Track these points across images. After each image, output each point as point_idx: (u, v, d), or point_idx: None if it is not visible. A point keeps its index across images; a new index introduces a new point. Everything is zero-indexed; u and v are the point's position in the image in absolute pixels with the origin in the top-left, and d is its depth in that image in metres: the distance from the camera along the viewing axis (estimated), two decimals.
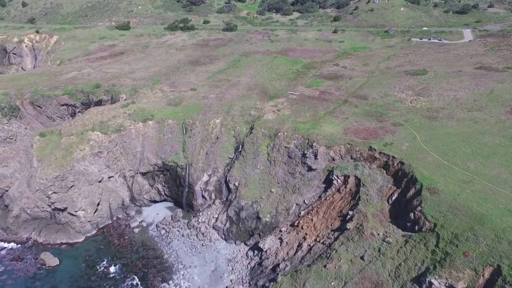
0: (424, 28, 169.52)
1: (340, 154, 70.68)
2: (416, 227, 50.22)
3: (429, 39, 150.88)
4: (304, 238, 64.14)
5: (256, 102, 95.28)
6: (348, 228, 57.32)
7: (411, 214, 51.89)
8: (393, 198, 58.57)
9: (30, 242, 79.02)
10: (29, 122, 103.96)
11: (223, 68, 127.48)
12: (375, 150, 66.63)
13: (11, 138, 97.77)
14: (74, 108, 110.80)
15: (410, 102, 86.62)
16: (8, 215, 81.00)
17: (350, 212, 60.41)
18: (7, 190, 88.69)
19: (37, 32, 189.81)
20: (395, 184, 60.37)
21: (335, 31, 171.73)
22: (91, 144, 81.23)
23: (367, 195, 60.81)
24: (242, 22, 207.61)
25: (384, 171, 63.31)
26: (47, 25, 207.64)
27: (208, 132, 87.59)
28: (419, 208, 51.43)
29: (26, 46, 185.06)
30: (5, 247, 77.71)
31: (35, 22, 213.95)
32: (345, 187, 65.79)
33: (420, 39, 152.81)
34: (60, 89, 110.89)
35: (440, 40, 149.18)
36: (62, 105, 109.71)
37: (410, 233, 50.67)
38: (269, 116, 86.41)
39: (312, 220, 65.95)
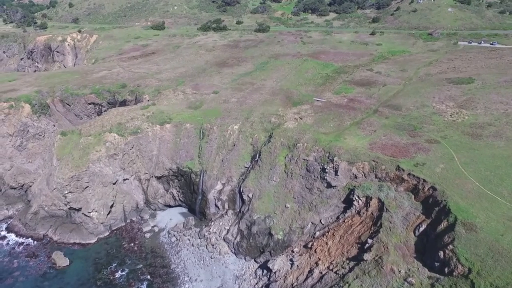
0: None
1: (363, 172, 63.46)
2: (446, 269, 42.40)
3: (479, 43, 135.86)
4: (317, 264, 58.05)
5: (278, 109, 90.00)
6: (365, 259, 50.48)
7: (441, 253, 44.04)
8: (421, 229, 50.71)
9: (46, 239, 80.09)
10: (58, 120, 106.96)
11: (250, 70, 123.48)
12: (403, 170, 58.67)
13: (39, 135, 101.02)
14: (100, 107, 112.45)
15: (450, 115, 76.54)
16: (28, 211, 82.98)
17: (370, 240, 53.40)
18: (30, 186, 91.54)
19: (79, 31, 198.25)
20: (424, 212, 52.35)
21: (372, 33, 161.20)
22: (107, 145, 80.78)
23: (390, 223, 53.40)
24: (275, 23, 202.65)
25: (413, 196, 55.36)
26: (89, 24, 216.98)
27: (225, 138, 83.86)
28: (450, 246, 43.47)
29: (68, 44, 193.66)
30: (23, 243, 79.45)
31: (78, 22, 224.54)
32: (366, 210, 58.67)
33: (469, 42, 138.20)
34: (88, 88, 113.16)
35: (492, 44, 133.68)
36: (89, 103, 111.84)
37: (437, 276, 43.01)
38: (290, 125, 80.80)
39: (327, 243, 59.62)
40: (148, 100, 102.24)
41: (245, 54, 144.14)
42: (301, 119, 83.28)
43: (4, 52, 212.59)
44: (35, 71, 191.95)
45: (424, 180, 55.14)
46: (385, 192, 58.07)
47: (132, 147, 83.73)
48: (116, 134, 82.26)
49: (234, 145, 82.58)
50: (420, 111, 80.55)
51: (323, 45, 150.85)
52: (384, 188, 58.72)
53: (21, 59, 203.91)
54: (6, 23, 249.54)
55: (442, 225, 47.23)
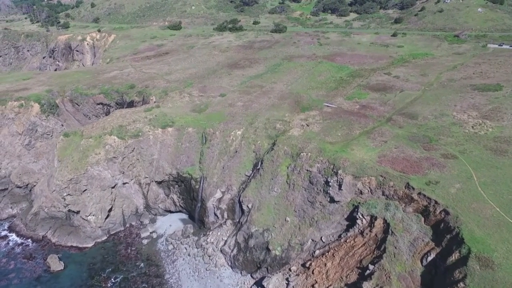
0: None
1: (369, 188, 57.97)
2: None
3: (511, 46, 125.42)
4: (313, 287, 53.28)
5: (285, 114, 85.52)
6: None
7: None
8: (429, 258, 44.91)
9: (44, 241, 79.51)
10: (66, 119, 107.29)
11: (261, 72, 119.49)
12: (413, 188, 52.74)
13: (47, 134, 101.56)
14: (108, 107, 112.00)
15: (472, 126, 69.24)
16: (29, 211, 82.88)
17: (371, 266, 48.15)
18: (35, 185, 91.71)
19: (99, 31, 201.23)
20: (434, 239, 46.43)
21: (394, 35, 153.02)
22: (107, 148, 79.19)
23: (395, 248, 47.90)
24: (293, 23, 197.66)
25: (422, 219, 49.44)
26: (109, 24, 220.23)
27: (228, 144, 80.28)
28: (462, 284, 37.64)
29: (87, 44, 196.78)
30: (22, 243, 79.24)
31: (99, 21, 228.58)
32: (370, 231, 53.28)
33: (500, 45, 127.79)
34: (97, 88, 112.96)
35: None
36: (98, 104, 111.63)
37: None
38: (295, 132, 76.13)
39: (325, 265, 54.74)
40: (155, 102, 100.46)
41: (258, 55, 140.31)
42: (307, 126, 78.41)
43: (28, 50, 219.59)
44: (56, 69, 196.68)
45: (435, 202, 49.04)
46: (391, 212, 52.47)
47: (132, 151, 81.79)
48: (116, 137, 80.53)
49: (236, 151, 78.87)
50: (438, 121, 73.60)
51: (340, 46, 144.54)
52: (391, 207, 53.09)
53: (43, 57, 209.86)
54: (33, 23, 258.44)
55: (454, 257, 41.28)
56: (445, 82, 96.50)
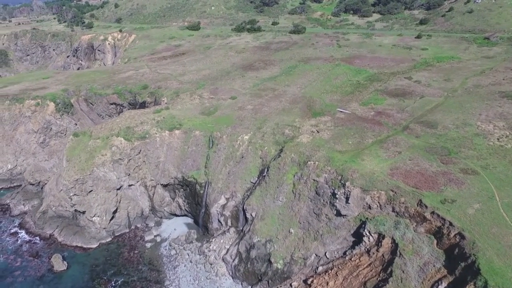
0: None
1: (378, 203, 53.78)
2: None
3: None
4: None
5: (295, 119, 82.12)
6: None
7: None
8: (440, 287, 40.43)
9: (51, 239, 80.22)
10: (80, 118, 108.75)
11: (275, 75, 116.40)
12: (426, 207, 48.13)
13: (61, 133, 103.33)
14: (121, 107, 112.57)
15: (498, 138, 63.13)
16: (38, 209, 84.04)
17: None
18: (46, 183, 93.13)
19: (120, 31, 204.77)
20: (446, 265, 41.83)
21: (418, 36, 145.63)
22: (113, 150, 78.83)
23: (403, 272, 43.69)
24: (313, 24, 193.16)
25: (435, 241, 44.88)
26: (130, 24, 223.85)
27: (234, 149, 77.91)
28: None
29: (108, 43, 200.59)
30: (30, 240, 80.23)
31: (121, 22, 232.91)
32: (377, 251, 49.19)
33: None
34: (111, 88, 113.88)
35: None
36: (111, 104, 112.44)
37: None
38: (304, 139, 72.64)
39: (327, 284, 51.18)
40: (166, 103, 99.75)
41: (274, 57, 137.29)
42: (318, 132, 74.70)
43: (53, 50, 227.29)
44: (78, 68, 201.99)
45: (450, 223, 44.31)
46: (401, 231, 48.15)
47: (139, 153, 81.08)
48: (123, 139, 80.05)
49: (242, 157, 76.34)
50: (460, 131, 67.84)
51: (360, 49, 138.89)
52: (401, 226, 48.76)
53: (67, 56, 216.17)
54: (60, 23, 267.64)
55: None
56: (470, 88, 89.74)
